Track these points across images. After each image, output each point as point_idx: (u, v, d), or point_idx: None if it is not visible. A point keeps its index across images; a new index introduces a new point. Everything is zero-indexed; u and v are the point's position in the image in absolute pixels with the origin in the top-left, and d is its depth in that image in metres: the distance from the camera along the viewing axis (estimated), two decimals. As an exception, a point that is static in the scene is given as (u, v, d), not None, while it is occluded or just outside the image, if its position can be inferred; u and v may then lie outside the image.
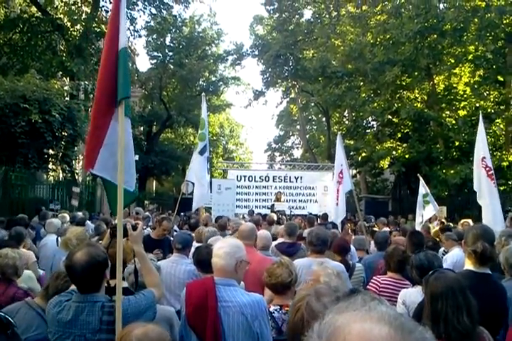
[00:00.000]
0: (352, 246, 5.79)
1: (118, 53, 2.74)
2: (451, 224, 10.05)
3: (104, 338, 2.50)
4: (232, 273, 2.82)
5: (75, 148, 16.06)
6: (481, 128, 7.75)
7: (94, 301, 2.54)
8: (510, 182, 18.91)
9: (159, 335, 1.97)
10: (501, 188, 17.76)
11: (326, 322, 0.87)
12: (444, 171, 19.30)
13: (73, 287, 2.79)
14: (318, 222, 11.38)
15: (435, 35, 19.37)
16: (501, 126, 20.56)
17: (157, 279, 2.98)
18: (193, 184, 11.63)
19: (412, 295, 3.46)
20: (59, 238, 6.35)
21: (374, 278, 4.32)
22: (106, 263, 2.62)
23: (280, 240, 6.14)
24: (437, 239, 7.06)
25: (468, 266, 3.22)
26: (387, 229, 9.82)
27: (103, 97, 2.83)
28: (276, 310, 3.22)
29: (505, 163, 17.99)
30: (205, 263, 3.74)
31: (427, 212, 10.84)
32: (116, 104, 2.75)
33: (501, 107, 19.85)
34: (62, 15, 19.73)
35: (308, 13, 39.38)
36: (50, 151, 15.31)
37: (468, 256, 3.22)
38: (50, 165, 16.22)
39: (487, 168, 7.16)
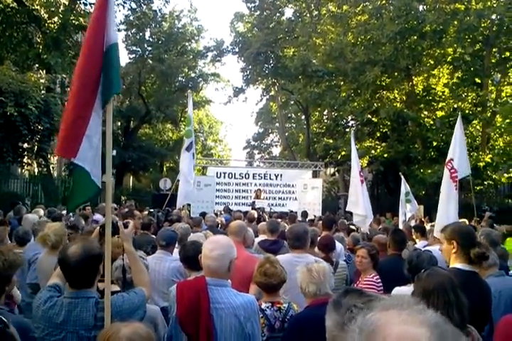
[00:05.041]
0: (339, 244, 5.80)
1: (109, 48, 2.73)
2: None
3: None
4: (225, 273, 2.78)
5: (51, 142, 15.74)
6: (457, 129, 7.77)
7: (87, 297, 2.48)
8: (485, 183, 19.28)
9: (148, 334, 1.91)
10: (477, 188, 18.09)
11: (369, 318, 0.87)
12: (421, 171, 19.57)
13: (54, 281, 2.69)
14: (299, 219, 11.41)
15: (415, 37, 19.65)
16: (478, 127, 20.96)
17: (147, 278, 2.95)
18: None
19: (405, 293, 3.47)
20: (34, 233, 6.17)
21: (367, 279, 4.34)
22: (100, 258, 2.55)
23: (262, 237, 6.10)
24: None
25: (456, 264, 3.24)
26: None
27: (85, 88, 2.79)
28: (268, 307, 3.25)
29: (481, 164, 18.33)
30: (191, 260, 3.67)
31: (409, 210, 10.97)
32: (95, 97, 2.77)
33: (478, 109, 20.24)
34: (39, 7, 19.25)
35: (289, 12, 39.53)
36: (26, 145, 14.99)
37: (458, 255, 3.24)
38: (26, 159, 15.90)
39: (452, 170, 7.24)
